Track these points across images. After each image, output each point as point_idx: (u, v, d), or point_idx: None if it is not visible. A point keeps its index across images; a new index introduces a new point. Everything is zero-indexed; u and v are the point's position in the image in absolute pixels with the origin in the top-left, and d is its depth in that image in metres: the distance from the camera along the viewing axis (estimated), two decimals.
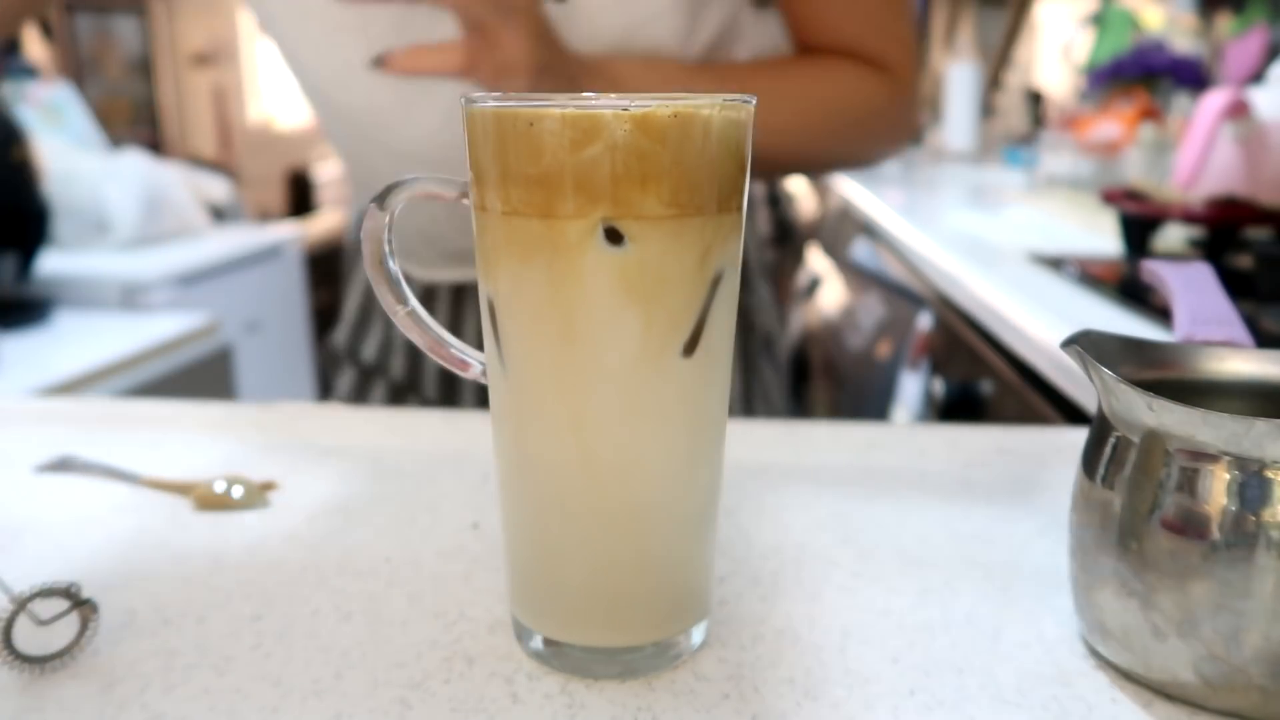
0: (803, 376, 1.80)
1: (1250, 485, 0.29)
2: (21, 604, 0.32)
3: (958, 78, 2.52)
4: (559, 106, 0.28)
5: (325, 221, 3.65)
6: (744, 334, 0.78)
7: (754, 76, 0.64)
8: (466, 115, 0.31)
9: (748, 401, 0.78)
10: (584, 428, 0.31)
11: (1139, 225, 0.98)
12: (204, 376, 1.71)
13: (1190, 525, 0.30)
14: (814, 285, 1.79)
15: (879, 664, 0.33)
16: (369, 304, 0.82)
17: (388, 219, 0.34)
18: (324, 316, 2.25)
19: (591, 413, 0.31)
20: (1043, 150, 1.85)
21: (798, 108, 0.64)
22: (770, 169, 0.70)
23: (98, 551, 0.41)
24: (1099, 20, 2.08)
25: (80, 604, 0.33)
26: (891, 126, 0.68)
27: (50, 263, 1.87)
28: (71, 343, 1.57)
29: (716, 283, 0.31)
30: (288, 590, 0.38)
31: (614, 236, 0.29)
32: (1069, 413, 0.69)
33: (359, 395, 0.82)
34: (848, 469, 0.51)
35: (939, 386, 0.94)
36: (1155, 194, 1.00)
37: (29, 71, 2.43)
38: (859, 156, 0.71)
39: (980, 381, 0.90)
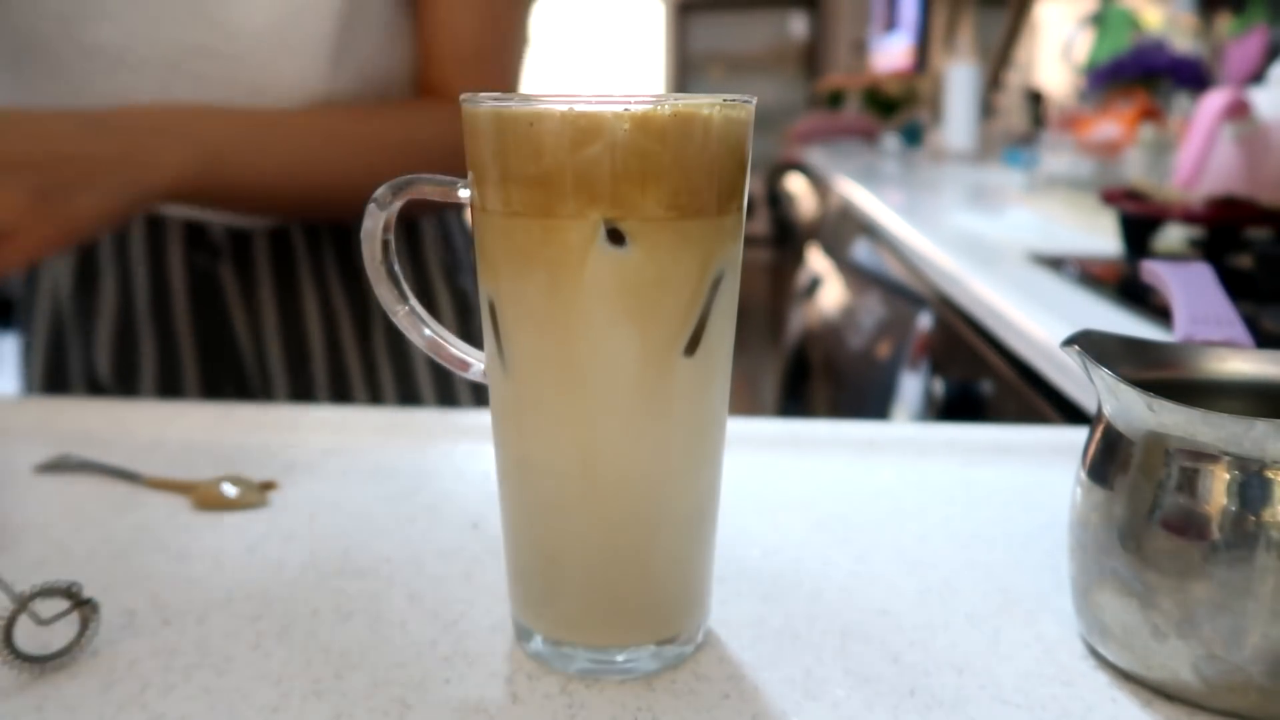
0: (803, 376, 1.80)
1: (1250, 485, 0.29)
2: (23, 604, 0.32)
3: (958, 78, 2.52)
4: (559, 106, 0.28)
5: None
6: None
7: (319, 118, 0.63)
8: (466, 115, 0.31)
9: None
10: (584, 428, 0.31)
11: (1139, 225, 0.98)
12: None
13: (1190, 525, 0.30)
14: (814, 285, 1.79)
15: (879, 664, 0.33)
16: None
17: (386, 219, 0.34)
18: None
19: (592, 413, 0.31)
20: (1043, 150, 1.85)
21: (361, 151, 0.64)
22: (330, 210, 0.68)
23: (98, 551, 0.41)
24: (1099, 20, 2.08)
25: (81, 604, 0.33)
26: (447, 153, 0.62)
27: None
28: None
29: (717, 284, 0.31)
30: (288, 590, 0.38)
31: (615, 237, 0.29)
32: (1069, 413, 0.69)
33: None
34: (848, 469, 0.51)
35: (939, 386, 0.94)
36: (1155, 194, 1.00)
37: None
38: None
39: (980, 381, 0.90)
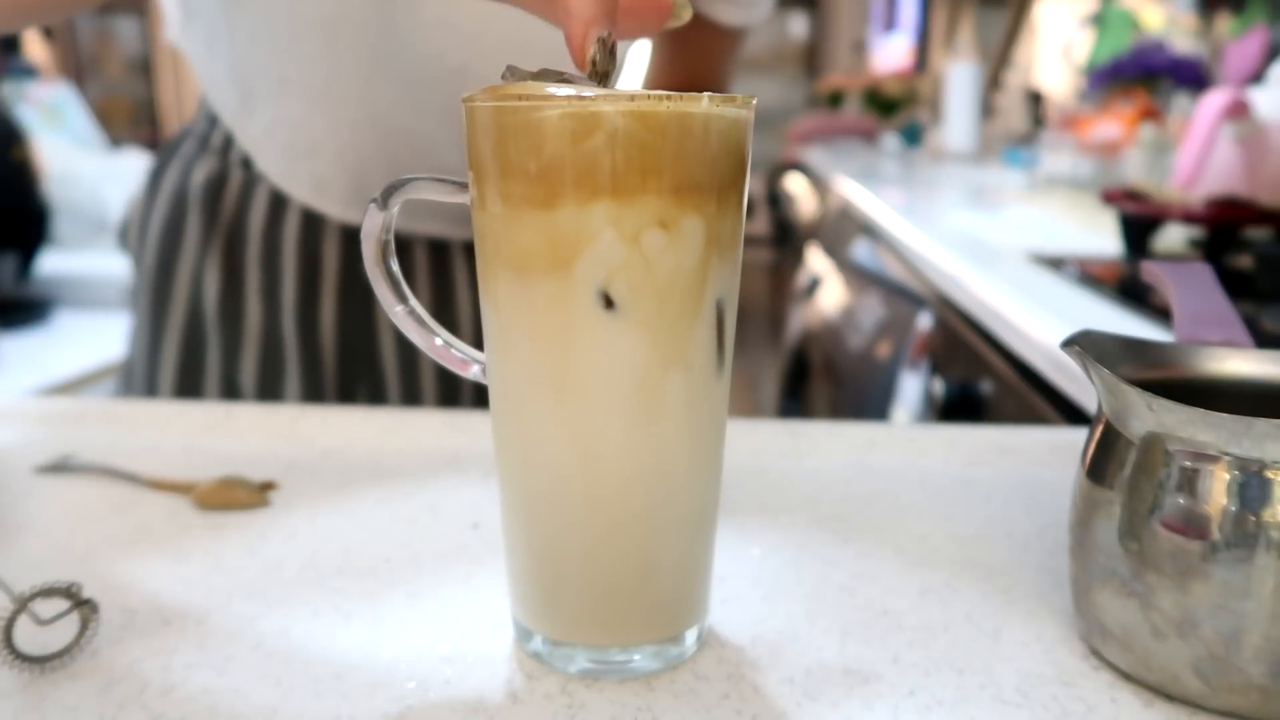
0: (803, 376, 1.80)
1: (1250, 485, 0.29)
2: (23, 604, 0.32)
3: (958, 78, 2.52)
4: (560, 102, 0.28)
5: None
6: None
7: None
8: (465, 112, 0.31)
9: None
10: (584, 428, 0.31)
11: (1139, 225, 0.98)
12: None
13: (1190, 525, 0.30)
14: (814, 285, 1.79)
15: (879, 664, 0.33)
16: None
17: (385, 219, 0.34)
18: None
19: (591, 413, 0.31)
20: (1043, 150, 1.85)
21: None
22: None
23: (98, 551, 0.41)
24: (1099, 20, 2.08)
25: (81, 604, 0.33)
26: None
27: (50, 263, 1.87)
28: (71, 343, 1.57)
29: (716, 283, 0.31)
30: (288, 590, 0.38)
31: (617, 236, 0.29)
32: (1069, 413, 0.69)
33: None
34: (848, 469, 0.51)
35: (939, 386, 0.94)
36: (1155, 194, 1.00)
37: (29, 71, 2.43)
38: None
39: (980, 381, 0.90)
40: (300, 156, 0.68)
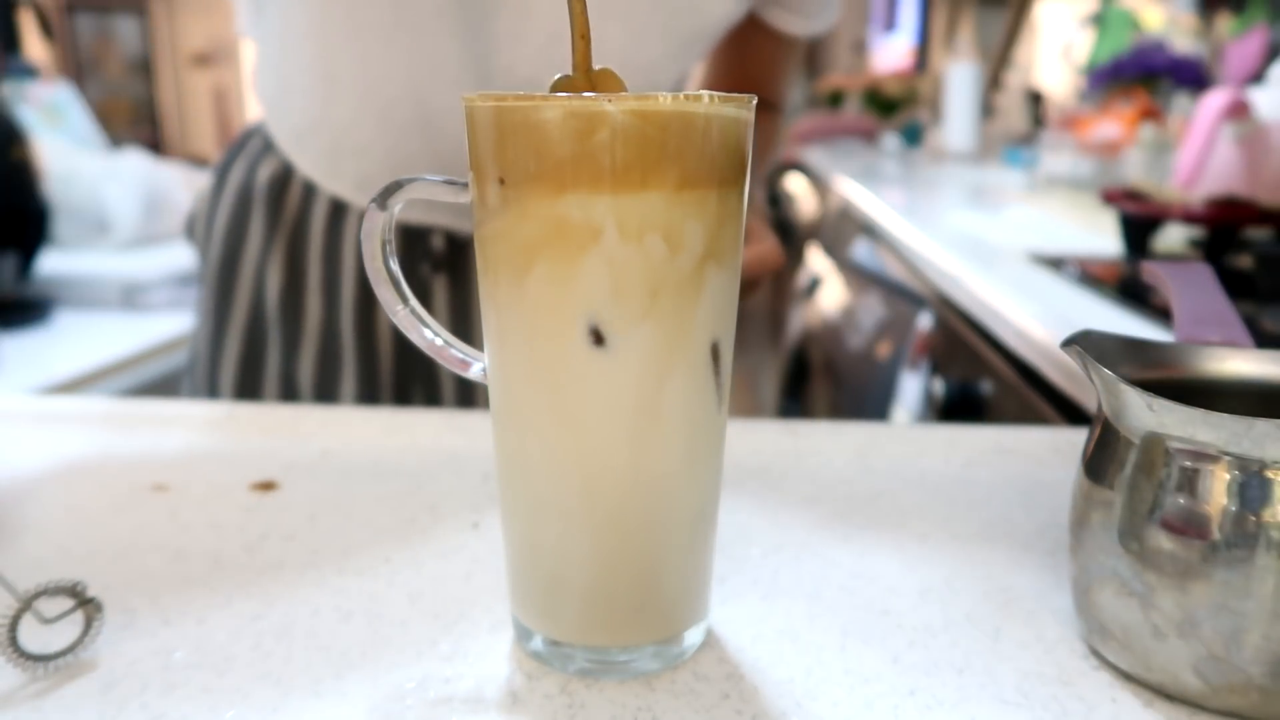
0: (803, 376, 1.80)
1: (1250, 485, 0.29)
2: (27, 602, 0.32)
3: (958, 78, 2.52)
4: (561, 102, 0.28)
5: None
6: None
7: None
8: (466, 112, 0.31)
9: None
10: (584, 428, 0.31)
11: (1139, 225, 0.98)
12: None
13: (1190, 525, 0.30)
14: (814, 285, 1.79)
15: (879, 664, 0.33)
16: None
17: (386, 220, 0.34)
18: None
19: (590, 417, 0.31)
20: (1043, 150, 1.85)
21: None
22: None
23: (98, 551, 0.41)
24: (1099, 20, 2.08)
25: (85, 603, 0.33)
26: None
27: (50, 263, 1.87)
28: (71, 343, 1.57)
29: (716, 284, 0.31)
30: (288, 590, 0.38)
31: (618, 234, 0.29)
32: (1069, 413, 0.69)
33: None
34: (848, 469, 0.51)
35: (939, 386, 0.94)
36: (1155, 194, 1.00)
37: (29, 71, 2.43)
38: None
39: (980, 381, 0.90)
40: (346, 156, 0.69)
